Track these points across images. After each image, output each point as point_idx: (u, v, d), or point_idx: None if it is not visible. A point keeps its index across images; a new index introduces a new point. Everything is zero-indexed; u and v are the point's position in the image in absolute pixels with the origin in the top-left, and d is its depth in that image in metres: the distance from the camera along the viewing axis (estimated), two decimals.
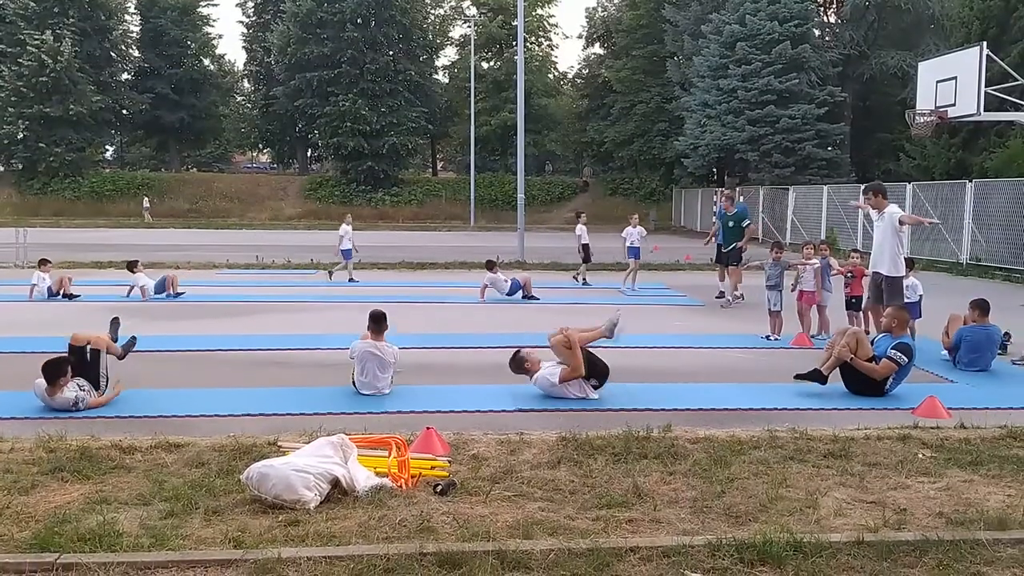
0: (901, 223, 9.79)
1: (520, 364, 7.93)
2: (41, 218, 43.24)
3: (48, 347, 9.70)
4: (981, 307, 9.47)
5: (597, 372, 7.82)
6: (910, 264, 11.12)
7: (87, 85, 49.98)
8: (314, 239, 32.68)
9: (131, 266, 15.43)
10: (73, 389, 7.10)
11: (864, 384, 7.97)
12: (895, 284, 9.97)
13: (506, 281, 15.63)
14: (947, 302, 11.90)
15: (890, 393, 7.97)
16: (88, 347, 7.47)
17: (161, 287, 15.08)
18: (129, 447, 5.93)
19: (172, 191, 52.19)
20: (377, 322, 8.04)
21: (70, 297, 14.67)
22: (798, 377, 8.11)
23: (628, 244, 17.03)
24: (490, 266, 16.01)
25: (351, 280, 18.04)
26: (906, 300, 10.65)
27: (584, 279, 18.00)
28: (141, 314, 13.18)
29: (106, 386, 7.48)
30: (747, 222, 15.47)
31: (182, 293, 15.12)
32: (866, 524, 4.68)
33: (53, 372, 6.98)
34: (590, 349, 7.99)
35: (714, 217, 15.96)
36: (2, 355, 9.83)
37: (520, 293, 15.52)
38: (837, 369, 8.06)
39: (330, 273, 18.49)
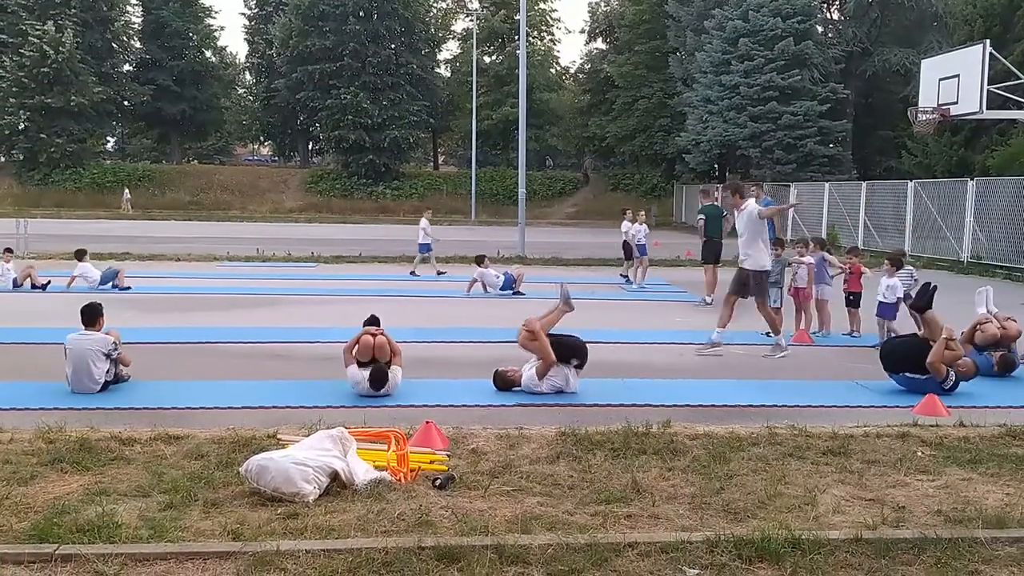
0: (762, 217, 9.84)
1: (503, 379, 7.86)
2: (42, 209, 43.19)
3: (47, 338, 9.73)
4: (1007, 367, 9.01)
5: (571, 352, 7.74)
6: (899, 264, 10.99)
7: (88, 76, 49.89)
8: (315, 232, 32.69)
9: (79, 255, 15.29)
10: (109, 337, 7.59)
11: (910, 357, 8.04)
12: (761, 280, 9.98)
13: (498, 276, 15.53)
14: (948, 300, 11.88)
15: (895, 386, 8.05)
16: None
17: (108, 278, 14.99)
18: (128, 439, 5.93)
19: (173, 183, 52.14)
20: (377, 384, 7.40)
21: (39, 287, 14.58)
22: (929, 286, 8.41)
23: (637, 241, 16.91)
24: (480, 260, 15.94)
25: (440, 273, 18.22)
26: (882, 300, 10.63)
27: (628, 276, 17.61)
28: (140, 306, 13.19)
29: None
30: (698, 217, 15.73)
31: (128, 288, 14.96)
32: (864, 521, 4.68)
33: (91, 313, 7.68)
34: (557, 333, 7.91)
35: (725, 214, 15.99)
36: (5, 345, 9.81)
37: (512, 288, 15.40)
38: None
39: (412, 272, 18.41)
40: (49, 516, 4.53)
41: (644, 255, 16.95)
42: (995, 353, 9.04)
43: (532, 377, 7.71)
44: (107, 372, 7.48)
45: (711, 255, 15.17)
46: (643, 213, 18.01)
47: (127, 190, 47.97)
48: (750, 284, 10.04)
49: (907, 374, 8.03)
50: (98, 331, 7.64)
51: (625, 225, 17.54)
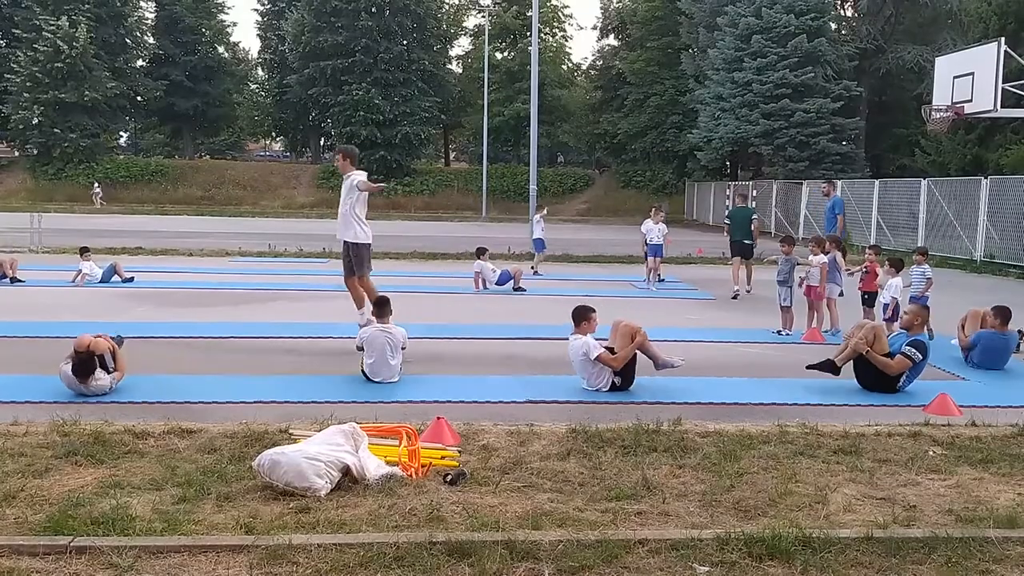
0: (359, 189, 9.49)
1: (585, 313, 7.97)
2: (56, 203, 43.43)
3: (59, 332, 9.79)
4: (1003, 315, 9.30)
5: (627, 374, 7.82)
6: (899, 265, 10.94)
7: (102, 71, 50.07)
8: (326, 228, 32.74)
9: (83, 252, 15.39)
10: (102, 376, 7.25)
11: (878, 380, 7.95)
12: (360, 252, 9.70)
13: (494, 271, 15.42)
14: (960, 299, 11.86)
15: (903, 391, 7.95)
16: (90, 351, 7.31)
17: (109, 275, 15.08)
18: (142, 432, 5.97)
19: (185, 178, 52.35)
20: (381, 307, 8.19)
21: (13, 281, 14.59)
22: (811, 367, 8.09)
23: (650, 241, 16.25)
24: (480, 253, 15.74)
25: (535, 273, 17.95)
26: (882, 303, 10.59)
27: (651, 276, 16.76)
28: (154, 300, 13.26)
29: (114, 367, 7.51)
30: (725, 220, 16.47)
31: (131, 279, 15.10)
32: (875, 520, 4.68)
33: (84, 371, 7.15)
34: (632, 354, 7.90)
35: (755, 216, 16.48)
36: (21, 339, 9.89)
37: (510, 284, 15.26)
38: (850, 364, 8.06)
39: (532, 268, 18.21)
40: (64, 508, 4.58)
41: (654, 256, 16.25)
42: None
43: (595, 348, 7.68)
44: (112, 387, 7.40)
45: (737, 252, 15.58)
46: (653, 210, 17.29)
47: (96, 183, 47.55)
48: (351, 256, 9.76)
49: (900, 387, 7.96)
50: (91, 382, 7.17)
51: (647, 224, 16.78)
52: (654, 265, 16.31)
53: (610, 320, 8.42)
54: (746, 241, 15.53)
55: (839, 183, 25.61)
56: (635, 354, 7.84)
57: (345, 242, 9.76)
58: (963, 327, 9.71)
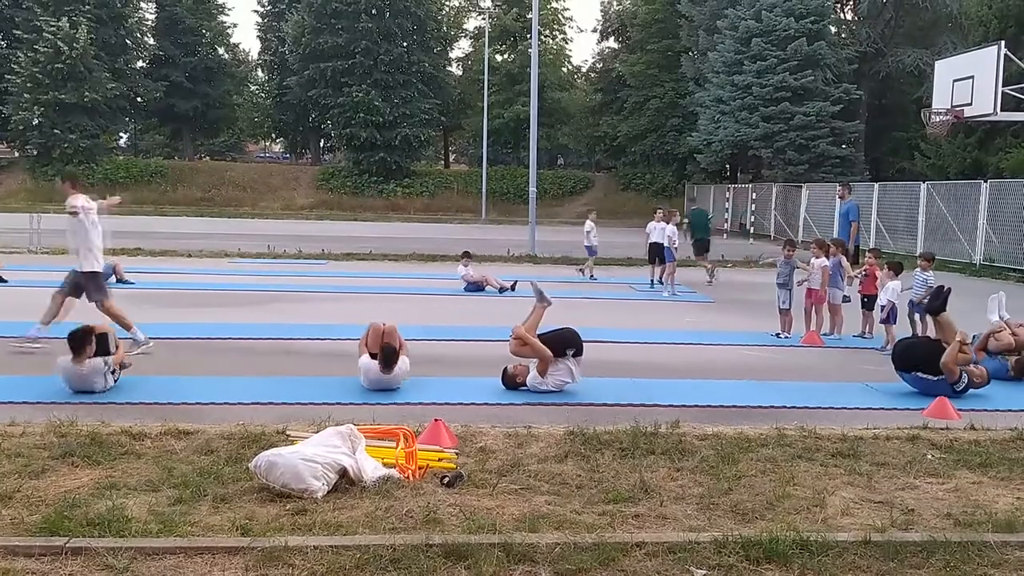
0: (73, 214, 9.01)
1: (511, 379, 7.90)
2: (55, 204, 43.11)
3: (56, 332, 9.77)
4: (1022, 371, 8.96)
5: (565, 344, 7.79)
6: (898, 269, 10.92)
7: (102, 72, 50.02)
8: (325, 229, 32.76)
9: None
10: (97, 359, 7.26)
11: (921, 356, 8.04)
12: (93, 281, 9.33)
13: (464, 278, 15.48)
14: (961, 303, 11.83)
15: (912, 385, 8.03)
16: (95, 333, 7.47)
17: (107, 275, 15.05)
18: (139, 433, 5.96)
19: (185, 179, 52.31)
20: (388, 362, 7.54)
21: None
22: (943, 287, 8.61)
23: (673, 244, 15.89)
24: (465, 256, 15.85)
25: (592, 277, 17.92)
26: (880, 305, 10.59)
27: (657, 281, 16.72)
28: (153, 301, 13.25)
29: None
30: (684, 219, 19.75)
31: (131, 282, 15.11)
32: (873, 524, 4.67)
33: (79, 342, 7.17)
34: (548, 331, 7.95)
35: (711, 216, 18.65)
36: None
37: (510, 285, 15.21)
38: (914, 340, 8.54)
39: (581, 271, 18.25)
40: (60, 509, 4.57)
41: (671, 260, 15.85)
42: (1010, 358, 9.01)
43: (535, 377, 7.75)
44: (109, 381, 7.40)
45: (701, 250, 18.54)
46: (669, 214, 16.78)
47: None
48: (82, 285, 9.37)
49: (919, 374, 7.99)
50: (86, 360, 7.22)
51: (669, 229, 16.23)
52: (672, 270, 16.01)
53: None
54: (706, 238, 18.52)
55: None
56: (545, 334, 7.85)
57: (74, 271, 9.39)
58: (987, 341, 9.31)
